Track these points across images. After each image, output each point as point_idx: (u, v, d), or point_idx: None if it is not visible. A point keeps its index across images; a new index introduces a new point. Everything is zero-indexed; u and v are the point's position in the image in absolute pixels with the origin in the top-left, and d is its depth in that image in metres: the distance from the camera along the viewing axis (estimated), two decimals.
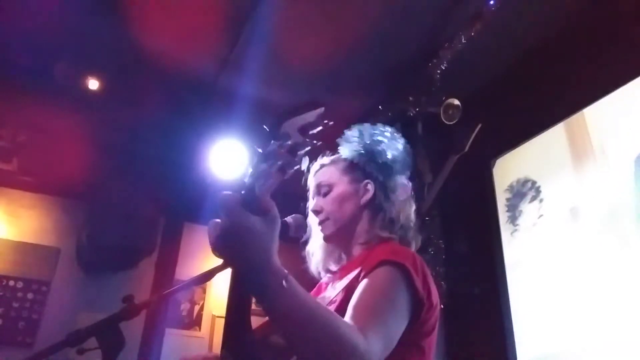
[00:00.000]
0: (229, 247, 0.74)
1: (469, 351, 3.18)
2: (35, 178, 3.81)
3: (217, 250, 0.76)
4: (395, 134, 1.29)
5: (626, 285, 2.37)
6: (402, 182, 1.29)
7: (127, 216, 3.70)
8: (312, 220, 1.28)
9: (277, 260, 0.76)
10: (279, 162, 0.76)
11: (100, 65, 3.39)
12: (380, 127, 1.27)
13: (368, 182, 1.25)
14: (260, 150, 0.75)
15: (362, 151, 1.26)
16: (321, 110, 0.77)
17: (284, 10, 2.94)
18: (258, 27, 3.01)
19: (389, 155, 1.26)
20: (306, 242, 1.31)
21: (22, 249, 3.70)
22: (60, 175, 3.58)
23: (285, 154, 0.76)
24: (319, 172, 1.30)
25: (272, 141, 0.75)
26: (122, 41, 3.15)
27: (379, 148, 1.25)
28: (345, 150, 1.29)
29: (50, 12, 2.98)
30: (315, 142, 0.78)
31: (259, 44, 3.12)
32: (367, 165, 1.25)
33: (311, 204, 1.30)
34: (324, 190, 1.27)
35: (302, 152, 0.78)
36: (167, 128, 3.71)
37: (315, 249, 1.29)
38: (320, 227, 1.26)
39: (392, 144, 1.27)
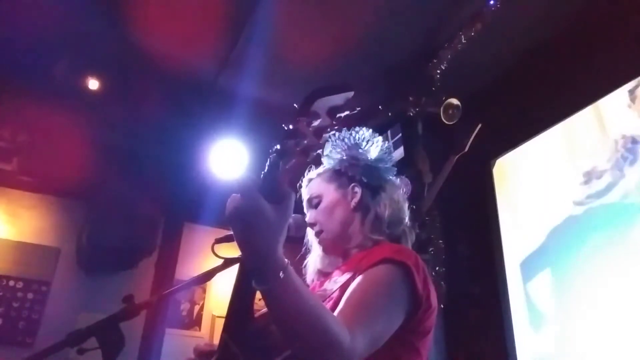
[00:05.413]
0: (237, 227, 0.75)
1: (469, 351, 3.18)
2: (35, 178, 3.81)
3: (229, 224, 0.76)
4: (374, 134, 1.29)
5: (626, 285, 2.37)
6: (389, 180, 1.29)
7: (127, 216, 3.70)
8: (310, 234, 1.29)
9: (279, 250, 0.76)
10: (305, 142, 0.75)
11: (100, 65, 3.39)
12: (357, 130, 1.28)
13: (355, 185, 1.26)
14: (287, 128, 0.74)
15: (344, 157, 1.27)
16: (350, 94, 0.76)
17: (284, 10, 2.93)
18: (258, 27, 3.01)
19: (370, 156, 1.27)
20: (307, 245, 1.32)
21: (22, 249, 3.70)
22: (60, 175, 3.57)
23: (312, 134, 0.75)
24: (308, 186, 1.32)
25: (300, 118, 0.74)
26: (122, 41, 3.15)
27: (360, 151, 1.27)
28: (328, 160, 1.31)
29: (51, 13, 2.98)
30: (339, 126, 0.77)
31: (259, 44, 3.12)
32: (350, 170, 1.27)
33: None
34: (314, 202, 1.28)
35: (327, 136, 0.77)
36: (167, 128, 3.71)
37: (314, 259, 1.29)
38: (317, 240, 1.27)
39: (371, 144, 1.27)
